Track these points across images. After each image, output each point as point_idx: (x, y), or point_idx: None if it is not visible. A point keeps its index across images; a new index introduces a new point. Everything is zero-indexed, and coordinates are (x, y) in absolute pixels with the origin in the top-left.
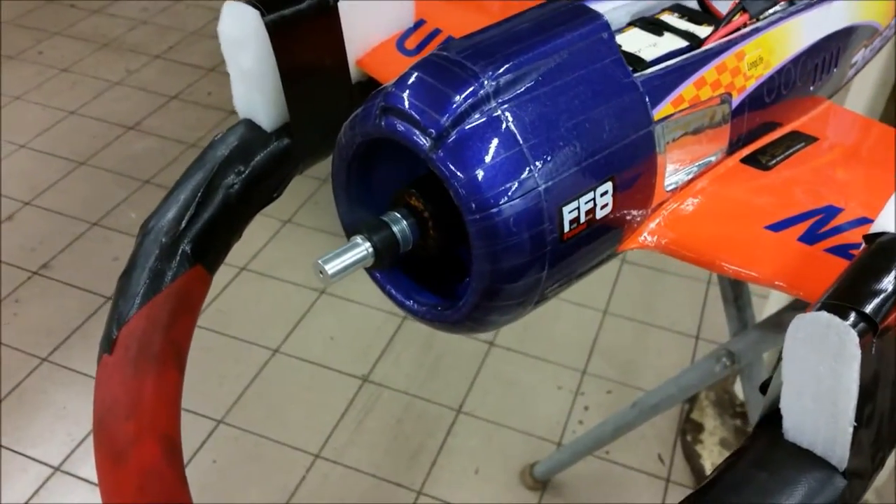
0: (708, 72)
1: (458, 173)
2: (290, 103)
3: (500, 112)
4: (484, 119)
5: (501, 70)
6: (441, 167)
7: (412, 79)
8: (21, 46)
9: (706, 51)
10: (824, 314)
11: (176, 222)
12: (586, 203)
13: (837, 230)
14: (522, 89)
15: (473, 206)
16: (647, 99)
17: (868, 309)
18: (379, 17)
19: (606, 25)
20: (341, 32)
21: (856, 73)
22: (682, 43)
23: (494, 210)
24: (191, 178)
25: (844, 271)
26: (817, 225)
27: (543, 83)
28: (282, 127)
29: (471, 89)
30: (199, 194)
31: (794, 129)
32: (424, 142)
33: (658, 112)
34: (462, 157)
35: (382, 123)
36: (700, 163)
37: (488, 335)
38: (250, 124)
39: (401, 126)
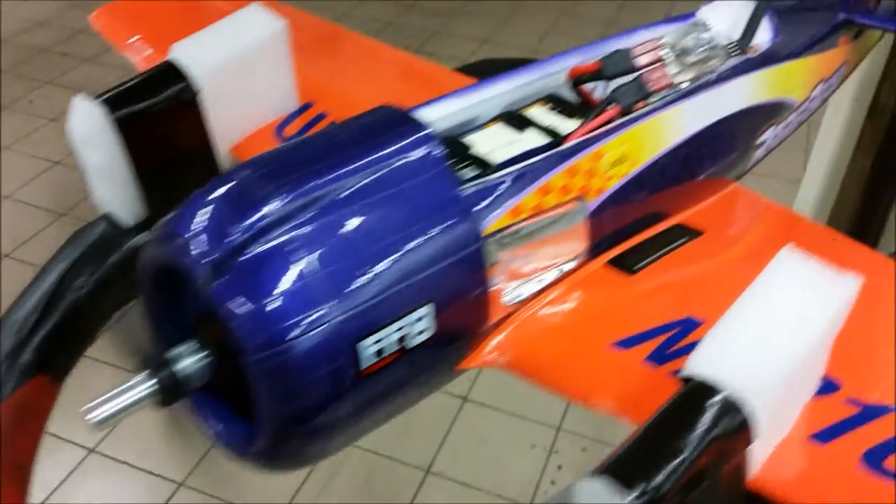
0: (556, 176)
1: (234, 309)
2: (149, 198)
3: (289, 239)
4: (269, 247)
5: (297, 192)
6: (214, 302)
7: (198, 202)
8: (13, 96)
9: (559, 153)
10: (602, 489)
11: (20, 329)
12: (396, 332)
13: (689, 348)
14: (319, 212)
15: (252, 345)
16: (475, 213)
17: (653, 482)
18: (256, 103)
19: (429, 138)
20: (204, 123)
21: (767, 153)
22: (544, 140)
23: (277, 350)
24: (42, 278)
25: (647, 423)
26: (670, 342)
27: (348, 203)
28: (143, 222)
29: (257, 215)
30: (46, 299)
31: (681, 221)
32: (200, 273)
33: (491, 225)
34: (240, 291)
35: (164, 250)
36: (551, 272)
37: (462, 389)
38: (109, 219)
39: (179, 254)
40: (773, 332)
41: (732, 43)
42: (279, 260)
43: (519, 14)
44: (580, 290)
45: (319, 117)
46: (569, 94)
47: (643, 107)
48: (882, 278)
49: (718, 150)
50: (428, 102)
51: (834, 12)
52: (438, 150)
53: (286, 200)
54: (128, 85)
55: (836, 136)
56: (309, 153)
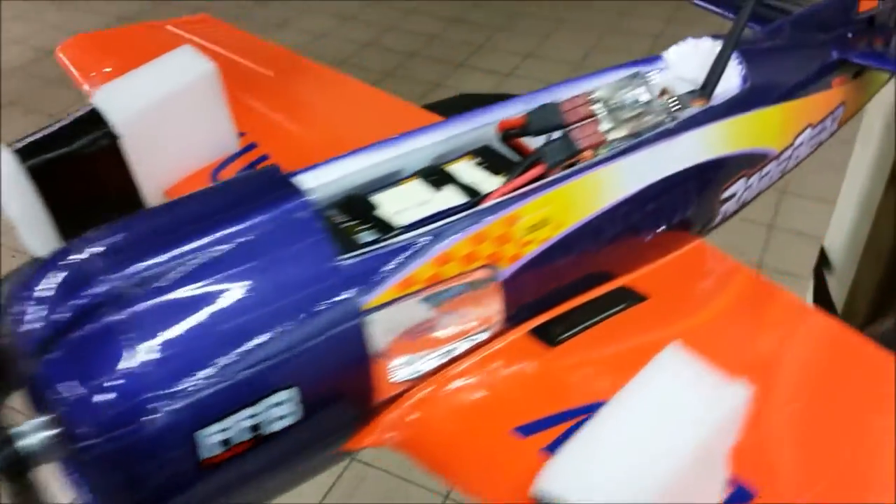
0: (459, 244)
1: (54, 396)
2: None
3: (119, 319)
4: (97, 327)
5: (136, 267)
6: (35, 388)
7: (29, 278)
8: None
9: (466, 217)
10: None
11: None
12: (247, 419)
13: None
14: (159, 289)
15: (74, 433)
16: (354, 286)
17: None
18: (188, 146)
19: (304, 204)
20: (127, 167)
21: (741, 206)
22: (460, 199)
23: (102, 440)
24: None
25: None
26: (573, 431)
27: (196, 279)
28: None
29: (90, 291)
30: None
31: (627, 283)
32: (23, 355)
33: (374, 299)
34: (62, 373)
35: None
36: (459, 343)
37: None
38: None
39: (8, 326)
40: (642, 443)
41: (689, 93)
42: (106, 341)
43: (563, 29)
44: (492, 363)
45: (261, 159)
46: (505, 147)
47: (572, 165)
48: (853, 356)
49: (669, 207)
50: (342, 156)
51: (826, 51)
52: (312, 217)
53: (122, 276)
54: (47, 132)
55: (867, 165)
56: (161, 223)
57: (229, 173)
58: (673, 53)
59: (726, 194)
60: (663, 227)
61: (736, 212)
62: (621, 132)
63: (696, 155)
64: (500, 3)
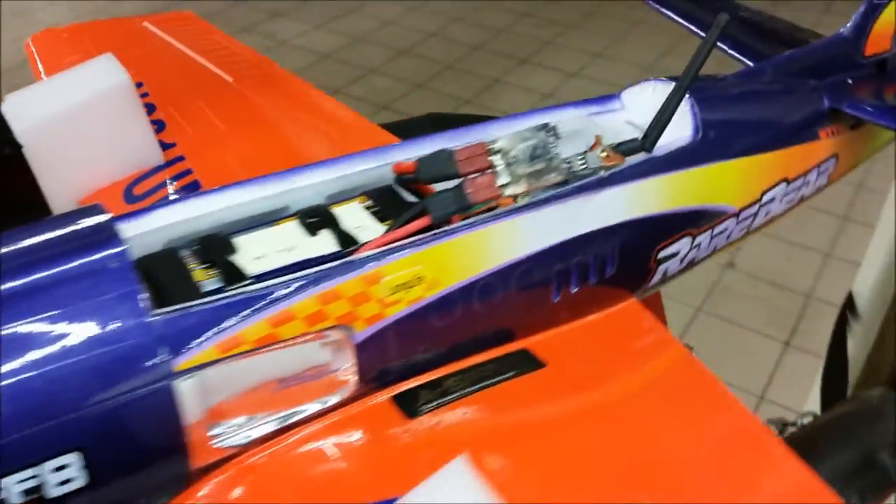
0: (304, 302)
1: None
2: None
3: None
4: None
5: None
6: None
7: None
8: None
9: (325, 272)
10: None
11: None
12: (24, 481)
13: None
14: None
15: None
16: (166, 345)
17: None
18: (102, 157)
19: (121, 253)
20: (33, 178)
21: (690, 265)
22: (331, 248)
23: None
24: None
25: None
26: None
27: None
28: None
29: None
30: None
31: (530, 346)
32: None
33: (189, 360)
34: None
35: None
36: (295, 408)
37: None
38: None
39: None
40: None
41: (627, 143)
42: None
43: (638, 31)
44: (339, 431)
45: (183, 174)
46: (407, 191)
47: (462, 220)
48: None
49: (582, 268)
50: (221, 188)
51: (817, 98)
52: (125, 266)
53: None
54: None
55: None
56: None
57: (146, 187)
58: (628, 95)
59: (665, 253)
60: (576, 289)
61: (683, 270)
62: (518, 188)
63: (619, 213)
64: (577, 2)
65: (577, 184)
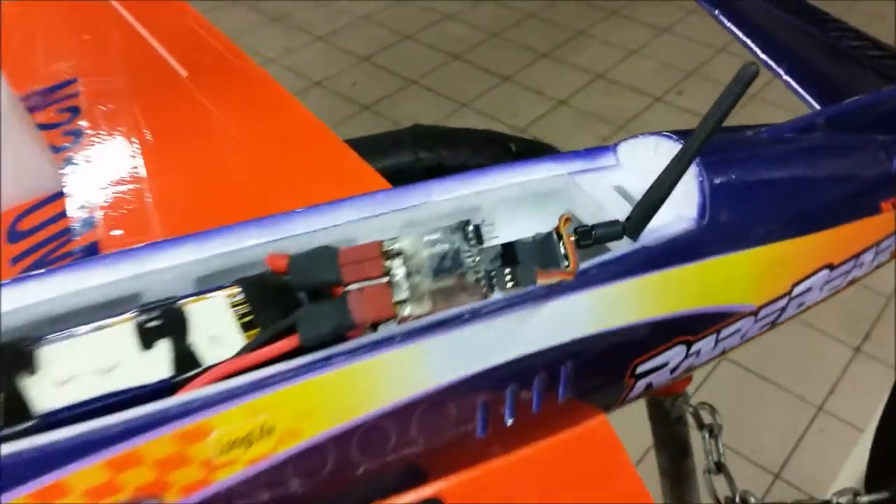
0: (89, 469)
1: None
2: None
3: None
4: None
5: None
6: None
7: None
8: None
9: (122, 426)
10: None
11: None
12: None
13: None
14: None
15: None
16: None
17: None
18: None
19: None
20: None
21: (685, 371)
22: (160, 374)
23: None
24: None
25: None
26: None
27: None
28: None
29: None
30: None
31: (445, 491)
32: None
33: None
34: None
35: None
36: None
37: None
38: None
39: None
40: None
41: (605, 226)
42: None
43: (689, 22)
44: None
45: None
46: None
47: (345, 339)
48: None
49: (520, 396)
50: (49, 272)
51: (885, 159)
52: None
53: None
54: None
55: None
56: None
57: (33, 221)
58: (625, 150)
59: (647, 367)
60: (511, 420)
61: (678, 377)
62: (419, 308)
63: (579, 326)
64: None
65: (525, 292)
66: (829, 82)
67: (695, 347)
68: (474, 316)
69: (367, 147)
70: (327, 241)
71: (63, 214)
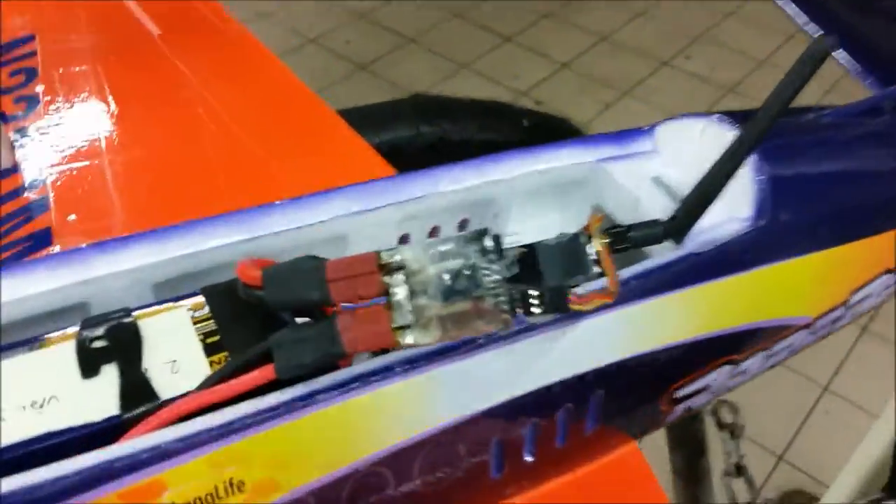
0: None
1: None
2: None
3: None
4: None
5: None
6: None
7: None
8: None
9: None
10: None
11: None
12: None
13: None
14: None
15: None
16: None
17: None
18: None
19: None
20: None
21: (729, 390)
22: (107, 409)
23: None
24: None
25: None
26: None
27: None
28: None
29: None
30: None
31: None
32: None
33: None
34: None
35: None
36: None
37: None
38: None
39: None
40: None
41: (644, 226)
42: None
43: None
44: None
45: (37, 183)
46: None
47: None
48: None
49: (542, 430)
50: None
51: None
52: None
53: None
54: None
55: None
56: None
57: None
58: (664, 133)
59: (687, 391)
60: (531, 459)
61: (720, 395)
62: (425, 337)
63: (610, 351)
64: None
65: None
66: (893, 59)
67: (742, 367)
68: (490, 341)
69: (362, 118)
70: (313, 240)
71: (13, 195)
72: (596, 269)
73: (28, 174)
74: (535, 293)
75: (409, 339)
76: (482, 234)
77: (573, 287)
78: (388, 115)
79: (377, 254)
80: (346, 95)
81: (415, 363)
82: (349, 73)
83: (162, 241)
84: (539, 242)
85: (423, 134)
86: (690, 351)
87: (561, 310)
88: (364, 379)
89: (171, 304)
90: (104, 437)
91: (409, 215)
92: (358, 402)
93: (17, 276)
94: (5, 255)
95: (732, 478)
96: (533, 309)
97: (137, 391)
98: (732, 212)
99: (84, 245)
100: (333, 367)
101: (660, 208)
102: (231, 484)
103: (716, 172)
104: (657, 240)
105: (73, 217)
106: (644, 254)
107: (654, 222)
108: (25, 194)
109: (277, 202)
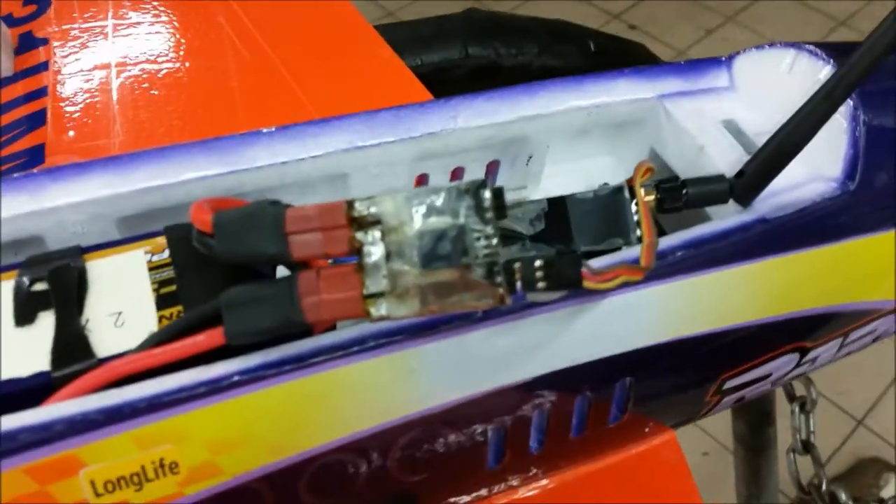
0: None
1: None
2: None
3: None
4: None
5: None
6: None
7: None
8: None
9: None
10: None
11: None
12: None
13: None
14: None
15: None
16: None
17: None
18: None
19: None
20: None
21: (799, 375)
22: (38, 364)
23: None
24: None
25: None
26: None
27: None
28: None
29: None
30: None
31: None
32: None
33: None
34: None
35: None
36: None
37: None
38: None
39: None
40: None
41: (706, 182)
42: None
43: None
44: None
45: (34, 94)
46: None
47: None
48: None
49: (555, 418)
50: None
51: None
52: None
53: None
54: None
55: None
56: None
57: None
58: (743, 65)
59: (738, 381)
60: (538, 448)
61: (783, 383)
62: (401, 309)
63: (651, 332)
64: None
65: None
66: None
67: (811, 354)
68: (490, 315)
69: (402, 36)
70: (305, 178)
71: (11, 105)
72: (636, 236)
73: (29, 84)
74: (540, 263)
75: (382, 310)
76: (480, 185)
77: (602, 252)
78: (434, 32)
79: (349, 203)
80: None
81: (393, 337)
82: None
83: (127, 170)
84: (572, 195)
85: (472, 56)
86: (751, 336)
87: (572, 285)
88: (330, 352)
89: (128, 245)
90: (32, 397)
91: (426, 153)
92: (321, 380)
93: None
94: (7, 165)
95: (798, 455)
96: (538, 284)
97: (72, 346)
98: (816, 169)
99: (36, 171)
100: (297, 336)
101: (730, 160)
102: (162, 465)
103: (801, 119)
104: (720, 199)
105: (71, 134)
106: (703, 215)
107: (720, 177)
108: (23, 105)
109: (264, 129)
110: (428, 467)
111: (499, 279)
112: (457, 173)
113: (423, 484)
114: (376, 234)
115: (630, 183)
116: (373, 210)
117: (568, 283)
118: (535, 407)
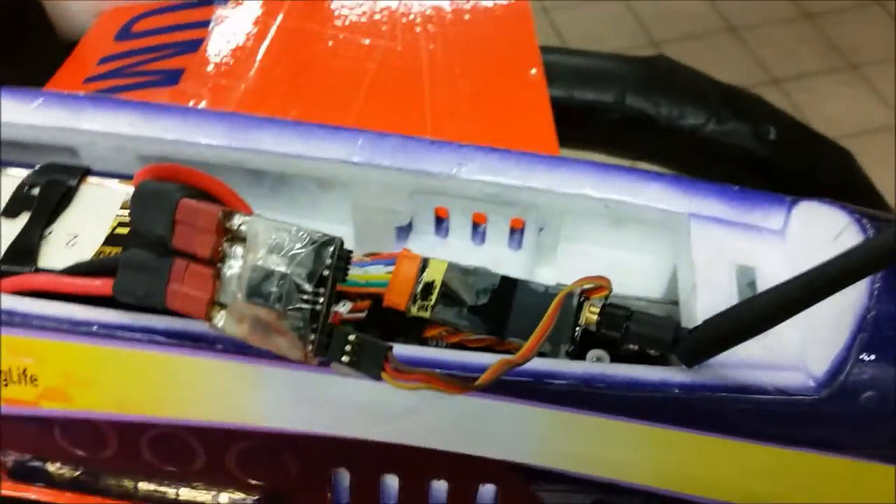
0: None
1: None
2: None
3: None
4: None
5: None
6: None
7: None
8: None
9: None
10: None
11: None
12: None
13: None
14: None
15: None
16: None
17: None
18: None
19: None
20: None
21: None
22: None
23: None
24: None
25: None
26: None
27: None
28: None
29: None
30: None
31: None
32: None
33: None
34: None
35: None
36: None
37: None
38: None
39: None
40: None
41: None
42: None
43: None
44: None
45: (199, 23)
46: None
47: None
48: None
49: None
50: None
51: None
52: None
53: None
54: None
55: None
56: None
57: (148, 25)
58: (801, 214)
59: None
60: None
61: None
62: (235, 327)
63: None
64: None
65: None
66: None
67: None
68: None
69: (564, 64)
70: (299, 173)
71: (175, 28)
72: (568, 347)
73: (197, 14)
74: (354, 338)
75: (220, 321)
76: (327, 242)
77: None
78: (598, 70)
79: (225, 213)
80: None
81: (240, 349)
82: None
83: (152, 117)
84: (525, 282)
85: (629, 105)
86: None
87: (370, 372)
88: (182, 338)
89: (127, 181)
90: None
91: (423, 188)
92: (170, 360)
93: (17, 98)
94: (142, 79)
95: None
96: (342, 357)
97: (24, 250)
98: (803, 357)
99: (81, 94)
100: (169, 312)
101: (715, 310)
102: (25, 374)
103: (771, 300)
104: (662, 348)
105: (209, 69)
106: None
107: (672, 326)
108: (185, 30)
109: (279, 118)
110: (270, 481)
111: (312, 337)
112: (480, 216)
113: (265, 491)
114: (239, 250)
115: (584, 292)
116: (243, 228)
117: (367, 369)
118: (384, 471)
